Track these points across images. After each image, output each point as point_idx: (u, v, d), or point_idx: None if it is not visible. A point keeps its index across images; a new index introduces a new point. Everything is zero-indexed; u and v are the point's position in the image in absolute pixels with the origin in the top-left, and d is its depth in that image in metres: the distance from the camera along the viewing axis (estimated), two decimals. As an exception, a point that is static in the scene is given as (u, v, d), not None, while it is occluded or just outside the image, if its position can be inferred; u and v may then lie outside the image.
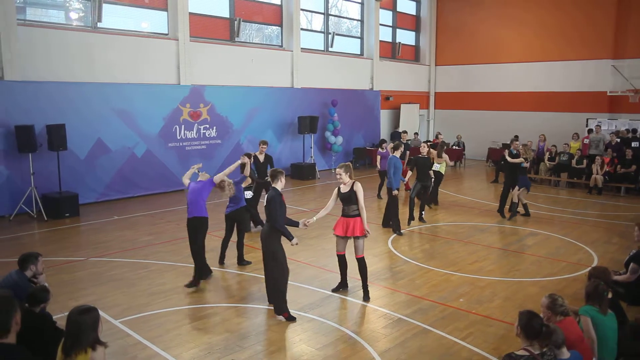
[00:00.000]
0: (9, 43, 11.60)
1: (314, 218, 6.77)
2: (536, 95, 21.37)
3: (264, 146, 10.94)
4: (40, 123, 11.71)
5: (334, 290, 7.24)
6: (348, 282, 7.32)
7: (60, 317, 5.20)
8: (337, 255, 7.16)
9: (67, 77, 12.60)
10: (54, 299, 4.83)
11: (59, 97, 12.28)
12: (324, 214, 6.96)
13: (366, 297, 6.99)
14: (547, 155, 17.22)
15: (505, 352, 3.98)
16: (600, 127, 17.59)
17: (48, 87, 12.16)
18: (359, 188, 6.84)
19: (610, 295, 5.08)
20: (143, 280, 7.69)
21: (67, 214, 11.61)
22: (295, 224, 6.63)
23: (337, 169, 6.97)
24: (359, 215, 6.86)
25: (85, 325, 3.72)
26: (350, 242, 7.00)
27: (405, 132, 16.58)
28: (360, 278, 7.05)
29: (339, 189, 7.00)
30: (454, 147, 20.72)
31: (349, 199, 6.86)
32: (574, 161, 16.28)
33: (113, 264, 8.42)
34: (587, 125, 19.08)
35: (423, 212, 11.51)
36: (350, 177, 6.92)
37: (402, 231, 10.41)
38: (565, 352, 3.90)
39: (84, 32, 13.17)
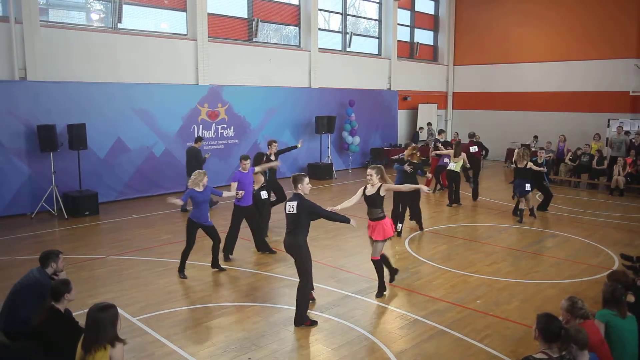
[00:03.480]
0: (32, 44, 11.81)
1: (338, 207, 6.64)
2: (556, 95, 21.08)
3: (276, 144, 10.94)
4: (61, 123, 11.90)
5: (377, 296, 7.07)
6: (365, 282, 7.30)
7: (79, 314, 5.28)
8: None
9: (88, 77, 12.78)
10: (75, 296, 4.90)
11: (79, 97, 12.46)
12: (347, 206, 6.84)
13: (379, 293, 7.02)
14: (567, 156, 16.98)
15: (523, 355, 3.94)
16: (622, 128, 17.30)
17: (69, 87, 12.34)
18: (383, 188, 6.82)
19: (633, 299, 5.00)
20: (161, 278, 7.76)
21: (87, 213, 11.77)
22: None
23: (369, 170, 6.91)
24: (382, 218, 6.87)
25: (104, 322, 3.78)
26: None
27: (442, 130, 16.53)
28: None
29: (364, 189, 6.97)
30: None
31: (373, 202, 6.85)
32: (594, 162, 16.01)
33: (131, 262, 8.51)
34: (608, 126, 18.78)
35: (400, 226, 10.32)
36: (381, 180, 6.87)
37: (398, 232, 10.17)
38: (585, 355, 3.85)
39: (105, 32, 13.35)
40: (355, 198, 6.97)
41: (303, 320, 6.13)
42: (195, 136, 13.51)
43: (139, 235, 10.25)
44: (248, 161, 8.74)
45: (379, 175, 6.85)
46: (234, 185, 8.52)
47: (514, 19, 21.99)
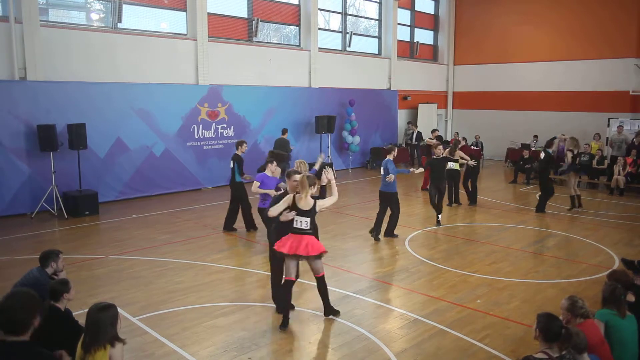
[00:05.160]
0: (32, 44, 11.80)
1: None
2: (557, 94, 21.07)
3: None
4: (61, 122, 11.90)
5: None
6: (365, 282, 7.27)
7: (79, 314, 5.28)
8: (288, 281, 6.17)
9: (88, 77, 12.77)
10: (74, 296, 4.89)
11: (79, 97, 12.45)
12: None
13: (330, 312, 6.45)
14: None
15: (523, 355, 3.93)
16: (622, 127, 17.30)
17: (69, 87, 12.34)
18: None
19: (633, 299, 5.00)
20: (161, 278, 7.76)
21: (87, 212, 11.76)
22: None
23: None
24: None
25: (104, 322, 3.77)
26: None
27: (436, 129, 16.51)
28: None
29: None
30: (472, 147, 20.53)
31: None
32: (594, 162, 15.99)
33: (131, 262, 8.51)
34: (608, 125, 18.77)
35: (439, 216, 11.17)
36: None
37: (379, 237, 9.94)
38: (585, 357, 3.84)
39: (105, 32, 13.34)
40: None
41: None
42: (283, 129, 15.27)
43: (139, 235, 10.24)
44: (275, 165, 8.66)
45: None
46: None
47: (514, 18, 21.98)
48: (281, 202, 6.06)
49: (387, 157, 9.91)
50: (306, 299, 6.91)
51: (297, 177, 6.16)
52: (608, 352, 4.26)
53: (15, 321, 3.22)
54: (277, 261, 6.35)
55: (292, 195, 6.10)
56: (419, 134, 20.53)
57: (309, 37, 18.16)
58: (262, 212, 8.40)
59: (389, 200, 9.85)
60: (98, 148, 12.83)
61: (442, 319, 6.33)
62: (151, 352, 5.47)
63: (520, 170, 17.03)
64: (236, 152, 10.37)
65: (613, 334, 4.42)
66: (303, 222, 6.01)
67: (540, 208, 12.43)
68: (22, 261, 8.29)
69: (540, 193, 12.76)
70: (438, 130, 18.16)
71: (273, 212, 6.02)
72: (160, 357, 5.39)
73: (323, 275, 6.21)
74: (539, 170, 12.67)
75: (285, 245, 5.96)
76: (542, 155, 12.49)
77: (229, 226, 10.43)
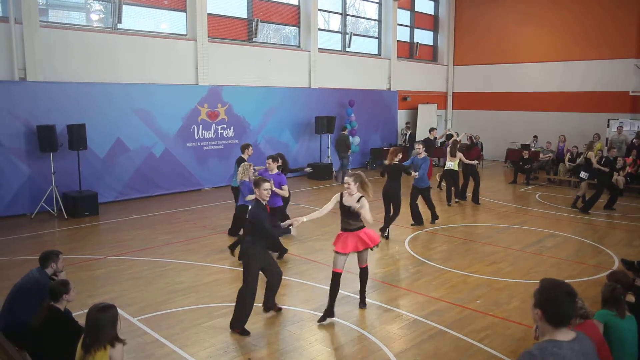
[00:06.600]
0: (32, 44, 11.80)
1: (304, 218, 6.17)
2: (556, 95, 21.07)
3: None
4: (61, 123, 11.90)
5: (320, 321, 6.25)
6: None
7: (79, 315, 5.28)
8: (334, 272, 6.26)
9: (88, 78, 12.78)
10: (75, 297, 4.89)
11: (79, 98, 12.45)
12: (317, 217, 6.44)
13: (363, 304, 6.73)
14: (567, 156, 16.98)
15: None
16: (622, 128, 17.29)
17: (69, 87, 12.34)
18: (364, 205, 6.09)
19: (633, 299, 5.00)
20: (161, 278, 7.76)
21: (87, 213, 11.76)
22: (287, 232, 6.16)
23: (347, 178, 6.25)
24: (362, 227, 6.33)
25: (104, 322, 3.78)
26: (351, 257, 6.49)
27: (434, 129, 16.52)
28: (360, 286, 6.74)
29: (341, 196, 6.31)
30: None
31: (352, 212, 6.17)
32: (594, 162, 15.95)
33: (131, 263, 8.51)
34: (608, 126, 18.76)
35: (386, 230, 10.02)
36: (360, 190, 6.27)
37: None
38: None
39: (104, 33, 13.34)
40: (328, 207, 6.33)
41: (236, 326, 5.92)
42: (342, 125, 17.31)
43: (139, 235, 10.24)
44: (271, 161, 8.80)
45: (357, 184, 6.23)
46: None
47: (514, 19, 21.98)
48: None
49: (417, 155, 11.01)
50: (306, 299, 6.91)
51: (267, 185, 5.91)
52: (608, 353, 4.25)
53: None
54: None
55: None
56: (411, 135, 20.57)
57: (308, 38, 18.17)
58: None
59: (422, 192, 10.91)
60: (98, 148, 12.83)
61: (442, 320, 6.33)
62: (151, 353, 5.47)
63: (519, 170, 17.03)
64: (241, 155, 10.02)
65: (612, 335, 4.42)
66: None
67: (610, 205, 12.97)
68: (21, 262, 8.30)
69: (593, 194, 12.70)
70: (436, 129, 18.12)
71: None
72: (160, 358, 5.39)
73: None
74: (602, 173, 12.61)
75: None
76: (602, 160, 12.65)
77: (234, 232, 10.00)
